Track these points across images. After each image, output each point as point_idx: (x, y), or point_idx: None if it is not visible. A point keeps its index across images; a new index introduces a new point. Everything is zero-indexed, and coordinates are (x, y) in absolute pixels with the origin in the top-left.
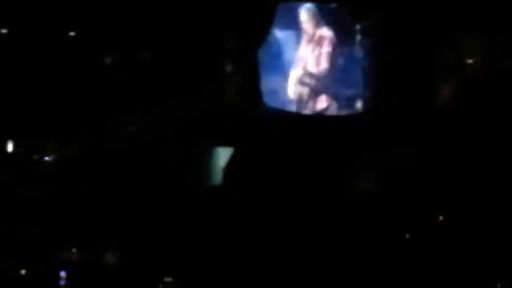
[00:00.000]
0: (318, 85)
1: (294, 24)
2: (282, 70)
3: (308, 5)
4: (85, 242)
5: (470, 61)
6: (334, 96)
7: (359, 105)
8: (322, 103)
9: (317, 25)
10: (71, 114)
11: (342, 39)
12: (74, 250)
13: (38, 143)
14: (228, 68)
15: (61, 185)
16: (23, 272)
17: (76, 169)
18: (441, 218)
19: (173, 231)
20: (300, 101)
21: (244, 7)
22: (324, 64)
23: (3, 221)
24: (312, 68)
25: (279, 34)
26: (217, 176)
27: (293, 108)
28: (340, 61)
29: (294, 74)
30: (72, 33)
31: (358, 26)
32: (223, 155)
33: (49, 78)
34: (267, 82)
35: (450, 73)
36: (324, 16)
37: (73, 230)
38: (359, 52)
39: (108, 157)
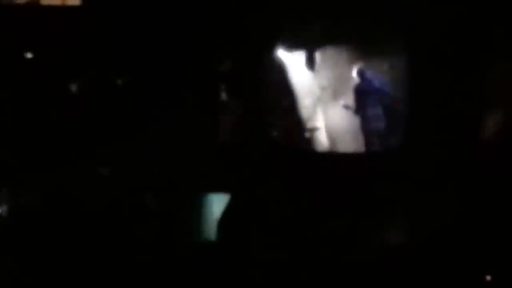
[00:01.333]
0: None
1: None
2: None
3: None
4: None
5: None
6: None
7: (388, 140)
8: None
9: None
10: (27, 154)
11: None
12: None
13: None
14: (223, 96)
15: (16, 243)
16: None
17: (33, 224)
18: (488, 278)
19: None
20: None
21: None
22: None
23: None
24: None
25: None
26: (211, 230)
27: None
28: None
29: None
30: (29, 55)
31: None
32: (217, 204)
33: None
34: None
35: (496, 102)
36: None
37: None
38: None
39: (73, 208)
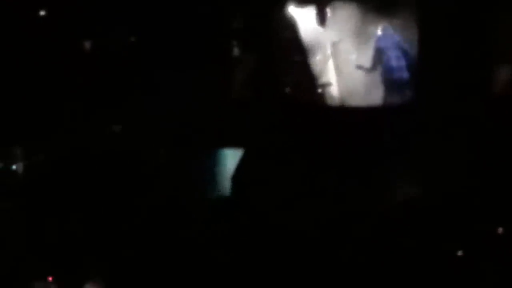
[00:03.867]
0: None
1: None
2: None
3: None
4: (62, 270)
5: None
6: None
7: (403, 93)
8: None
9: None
10: (40, 113)
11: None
12: (49, 279)
13: (2, 149)
14: (236, 51)
15: (31, 199)
16: None
17: (48, 180)
18: (500, 230)
19: (169, 255)
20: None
21: None
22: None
23: None
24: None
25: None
26: (224, 185)
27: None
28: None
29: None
30: (42, 12)
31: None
32: (230, 159)
33: (12, 68)
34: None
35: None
36: None
37: (48, 254)
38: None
39: (86, 164)
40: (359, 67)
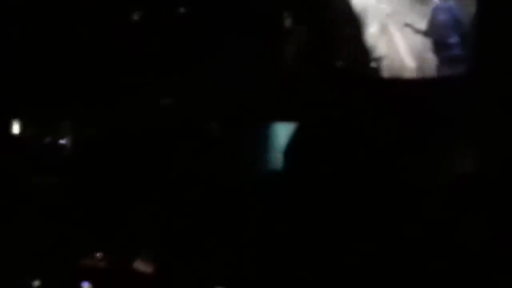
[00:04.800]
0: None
1: None
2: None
3: None
4: (110, 246)
5: None
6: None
7: (458, 66)
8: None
9: None
10: (89, 86)
11: None
12: (97, 255)
13: (50, 123)
14: (288, 22)
15: (79, 174)
16: (36, 283)
17: (96, 155)
18: None
19: (219, 231)
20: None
21: None
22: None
23: (11, 220)
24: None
25: None
26: (276, 160)
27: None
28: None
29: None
30: None
31: None
32: (283, 133)
33: (61, 41)
34: None
35: None
36: None
37: (96, 230)
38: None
39: (136, 139)
40: (415, 29)
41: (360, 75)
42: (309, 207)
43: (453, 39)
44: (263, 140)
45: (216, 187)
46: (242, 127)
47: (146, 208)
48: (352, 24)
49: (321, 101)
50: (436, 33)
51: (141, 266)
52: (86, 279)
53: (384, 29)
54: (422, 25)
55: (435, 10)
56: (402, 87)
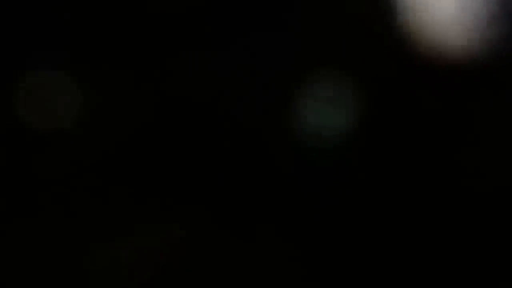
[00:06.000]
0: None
1: None
2: None
3: None
4: (139, 218)
5: None
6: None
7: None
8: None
9: None
10: (135, 55)
11: None
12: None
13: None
14: None
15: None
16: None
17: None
18: None
19: (250, 203)
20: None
21: None
22: None
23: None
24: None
25: None
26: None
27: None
28: None
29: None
30: None
31: None
32: (327, 106)
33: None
34: None
35: None
36: None
37: (130, 206)
38: None
39: (182, 107)
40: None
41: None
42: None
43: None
44: (313, 102)
45: (258, 160)
46: (284, 98)
47: (174, 180)
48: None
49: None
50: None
51: (170, 238)
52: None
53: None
54: None
55: None
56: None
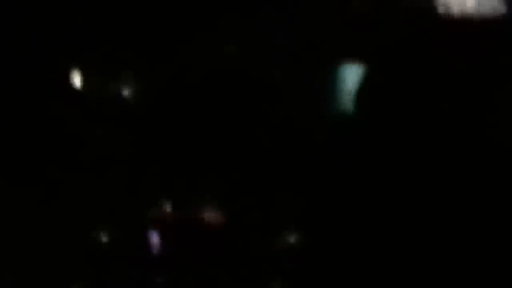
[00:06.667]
0: None
1: None
2: None
3: None
4: (179, 197)
5: None
6: None
7: None
8: None
9: None
10: (152, 35)
11: None
12: (166, 206)
13: (113, 75)
14: None
15: (143, 126)
16: (104, 238)
17: (159, 104)
18: None
19: (289, 178)
20: None
21: None
22: None
23: (77, 174)
24: None
25: None
26: (347, 104)
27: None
28: None
29: None
30: None
31: None
32: (352, 76)
33: None
34: None
35: None
36: None
37: (164, 181)
38: None
39: (200, 88)
40: None
41: (427, 17)
42: (381, 145)
43: None
44: (332, 84)
45: (284, 134)
46: (310, 71)
47: (213, 158)
48: None
49: (389, 43)
50: None
51: (210, 217)
52: (154, 230)
53: None
54: None
55: None
56: (470, 27)
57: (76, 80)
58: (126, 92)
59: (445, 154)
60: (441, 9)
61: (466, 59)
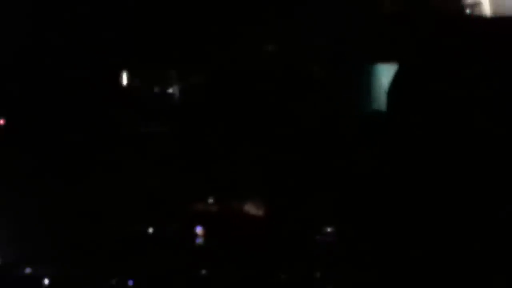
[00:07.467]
0: None
1: None
2: None
3: None
4: (221, 190)
5: None
6: None
7: None
8: None
9: None
10: (195, 35)
11: None
12: (210, 200)
13: (158, 72)
14: None
15: (188, 122)
16: (150, 230)
17: (202, 102)
18: None
19: (325, 173)
20: None
21: None
22: None
23: (123, 168)
24: None
25: None
26: (380, 100)
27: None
28: None
29: None
30: None
31: None
32: (386, 74)
33: None
34: None
35: None
36: None
37: (208, 175)
38: None
39: (243, 85)
40: None
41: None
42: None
43: None
44: (366, 81)
45: (320, 129)
46: (345, 69)
47: (255, 153)
48: None
49: (420, 42)
50: None
51: (252, 209)
52: (199, 223)
53: None
54: None
55: None
56: (499, 26)
57: (126, 80)
58: (171, 90)
59: (474, 149)
60: (469, 10)
61: (494, 57)
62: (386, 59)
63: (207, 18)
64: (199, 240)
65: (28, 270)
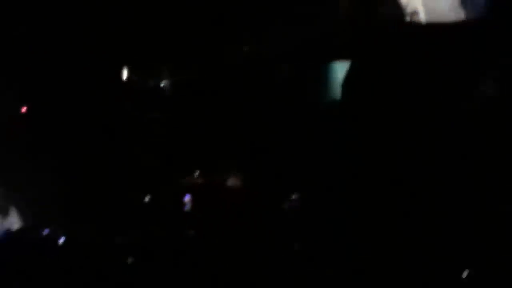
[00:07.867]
0: None
1: None
2: None
3: None
4: (207, 166)
5: None
6: None
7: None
8: None
9: None
10: (183, 36)
11: None
12: (197, 174)
13: (151, 69)
14: None
15: (178, 110)
16: (146, 199)
17: (192, 94)
18: None
19: (297, 149)
20: None
21: None
22: None
23: (125, 146)
24: None
25: None
26: (336, 91)
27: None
28: None
29: None
30: None
31: None
32: (341, 70)
33: None
34: None
35: None
36: None
37: (195, 153)
38: None
39: (226, 79)
40: None
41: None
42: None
43: None
44: (325, 76)
45: (290, 115)
46: (308, 66)
47: (233, 136)
48: None
49: (369, 43)
50: None
51: (234, 182)
52: (188, 193)
53: None
54: None
55: None
56: (436, 39)
57: (125, 75)
58: (164, 84)
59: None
60: (408, 17)
61: (428, 57)
62: (341, 57)
63: (195, 26)
64: (187, 207)
65: (46, 231)
